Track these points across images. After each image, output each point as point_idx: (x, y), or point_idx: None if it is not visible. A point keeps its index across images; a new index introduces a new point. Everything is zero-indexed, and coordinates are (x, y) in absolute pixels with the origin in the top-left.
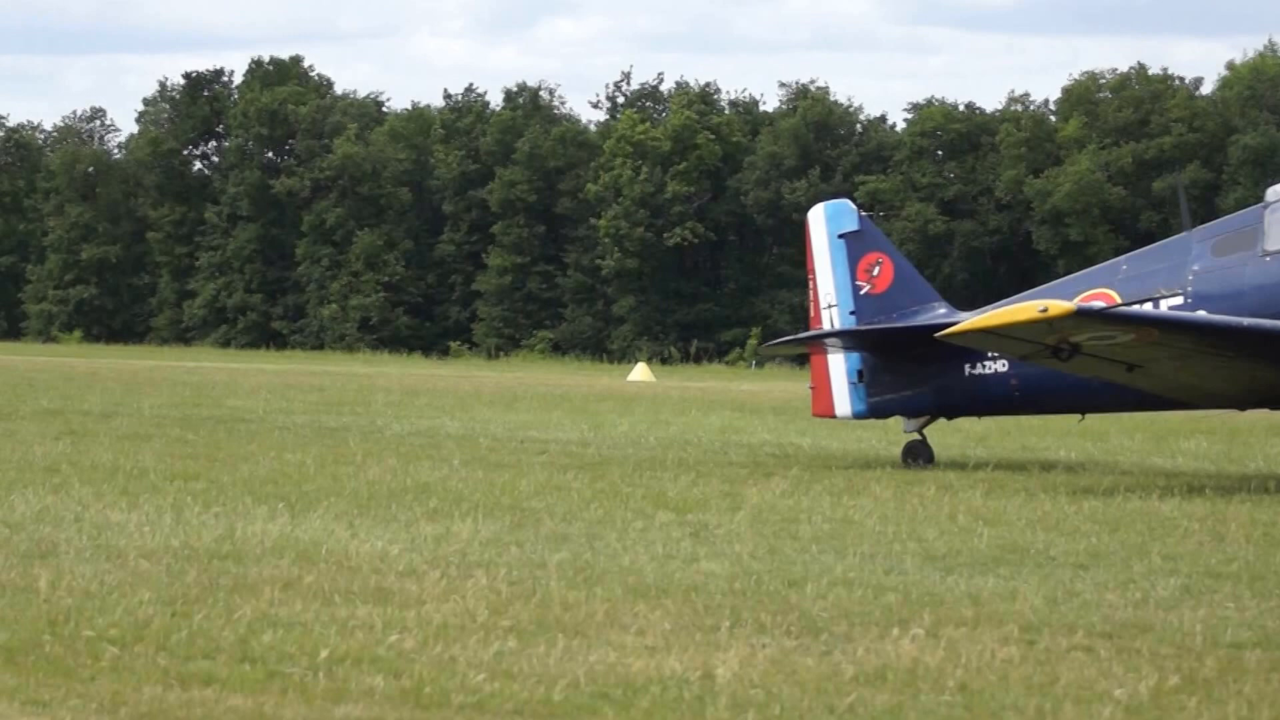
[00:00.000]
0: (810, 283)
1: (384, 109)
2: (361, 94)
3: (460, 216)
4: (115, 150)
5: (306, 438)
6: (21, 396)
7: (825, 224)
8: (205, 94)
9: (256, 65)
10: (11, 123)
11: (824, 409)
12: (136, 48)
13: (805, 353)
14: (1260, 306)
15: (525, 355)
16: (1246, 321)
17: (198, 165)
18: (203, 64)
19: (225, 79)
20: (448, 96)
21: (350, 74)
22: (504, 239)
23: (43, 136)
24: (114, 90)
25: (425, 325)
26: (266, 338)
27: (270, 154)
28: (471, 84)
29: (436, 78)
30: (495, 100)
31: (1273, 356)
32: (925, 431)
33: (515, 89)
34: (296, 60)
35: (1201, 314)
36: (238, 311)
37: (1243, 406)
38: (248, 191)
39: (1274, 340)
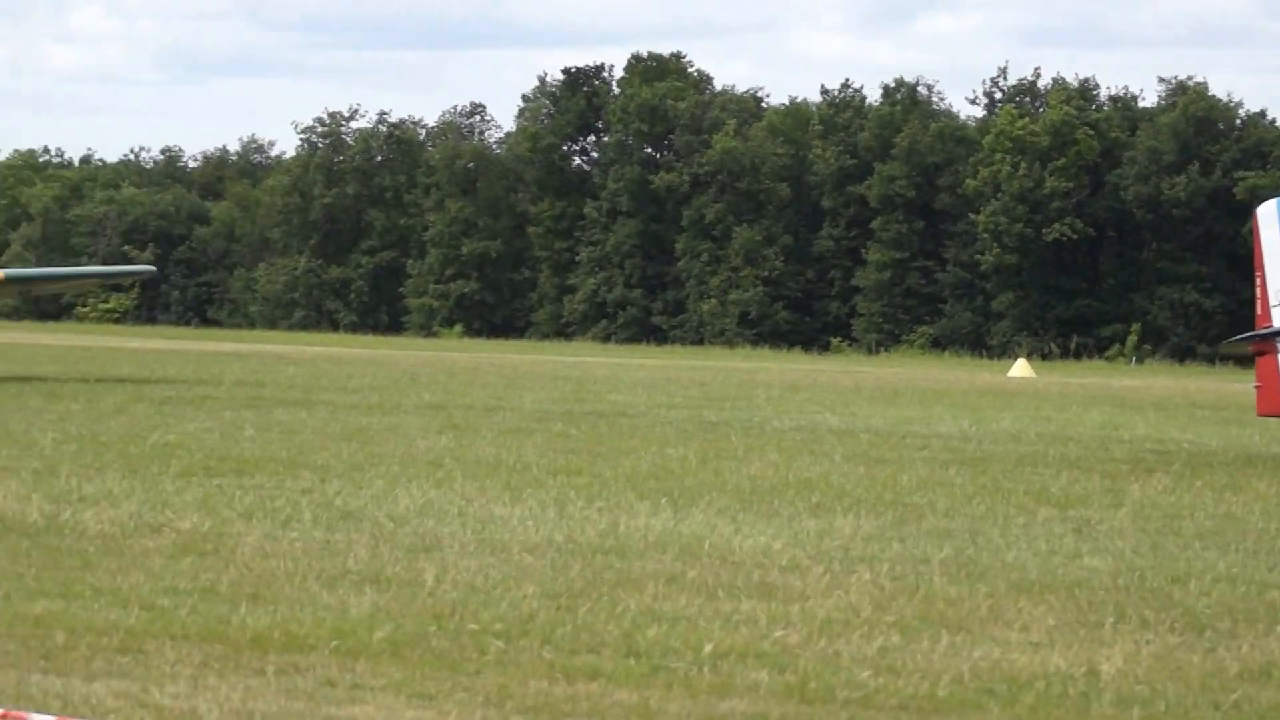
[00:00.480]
0: (1258, 279)
1: (762, 104)
2: (740, 89)
3: (839, 212)
4: (495, 145)
5: (688, 432)
6: (404, 391)
7: (1277, 220)
8: (585, 89)
9: (636, 61)
10: (393, 118)
11: (1272, 408)
12: (517, 43)
13: (1253, 352)
14: None
15: (905, 350)
16: None
17: (577, 160)
18: (582, 59)
19: (605, 74)
20: (825, 91)
21: (729, 69)
22: (883, 234)
23: (424, 132)
24: (494, 86)
25: (804, 320)
26: (646, 332)
27: (649, 149)
28: (848, 79)
29: (814, 72)
30: (873, 95)
31: None
32: None
33: (893, 84)
34: (677, 56)
35: None
36: (618, 306)
37: None
38: (628, 187)
39: None
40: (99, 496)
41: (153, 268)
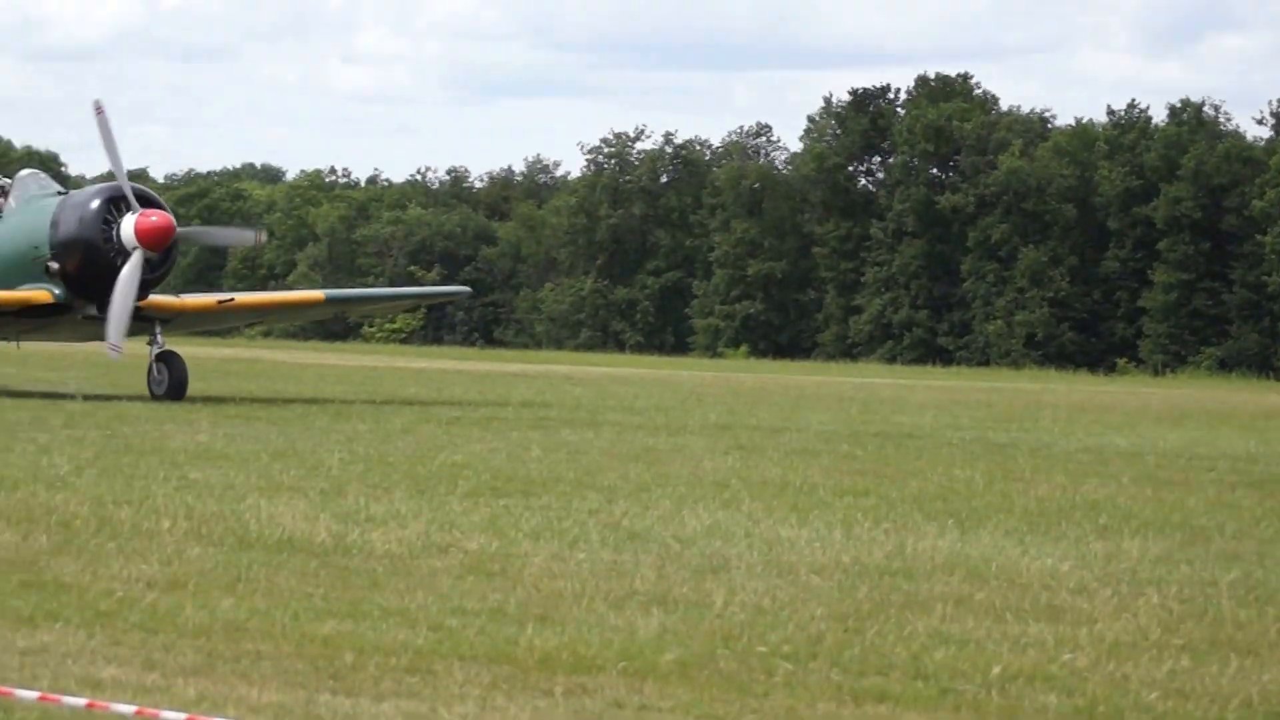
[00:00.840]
0: None
1: (1048, 125)
2: (1025, 110)
3: (1125, 233)
4: (781, 166)
5: (974, 453)
6: (690, 411)
7: None
8: (870, 110)
9: (922, 82)
10: (679, 139)
11: None
12: (803, 64)
13: None
14: None
15: (1191, 372)
16: None
17: (863, 181)
18: (868, 80)
19: (890, 95)
20: (1111, 112)
21: (1015, 90)
22: (1170, 255)
23: (709, 153)
24: (780, 106)
25: (1090, 341)
26: (932, 354)
27: (935, 170)
28: (1134, 99)
29: (1100, 93)
30: (1159, 115)
31: None
32: None
33: (1179, 104)
34: (964, 77)
35: None
36: (904, 327)
37: None
38: (913, 207)
39: None
40: (386, 517)
41: (468, 289)
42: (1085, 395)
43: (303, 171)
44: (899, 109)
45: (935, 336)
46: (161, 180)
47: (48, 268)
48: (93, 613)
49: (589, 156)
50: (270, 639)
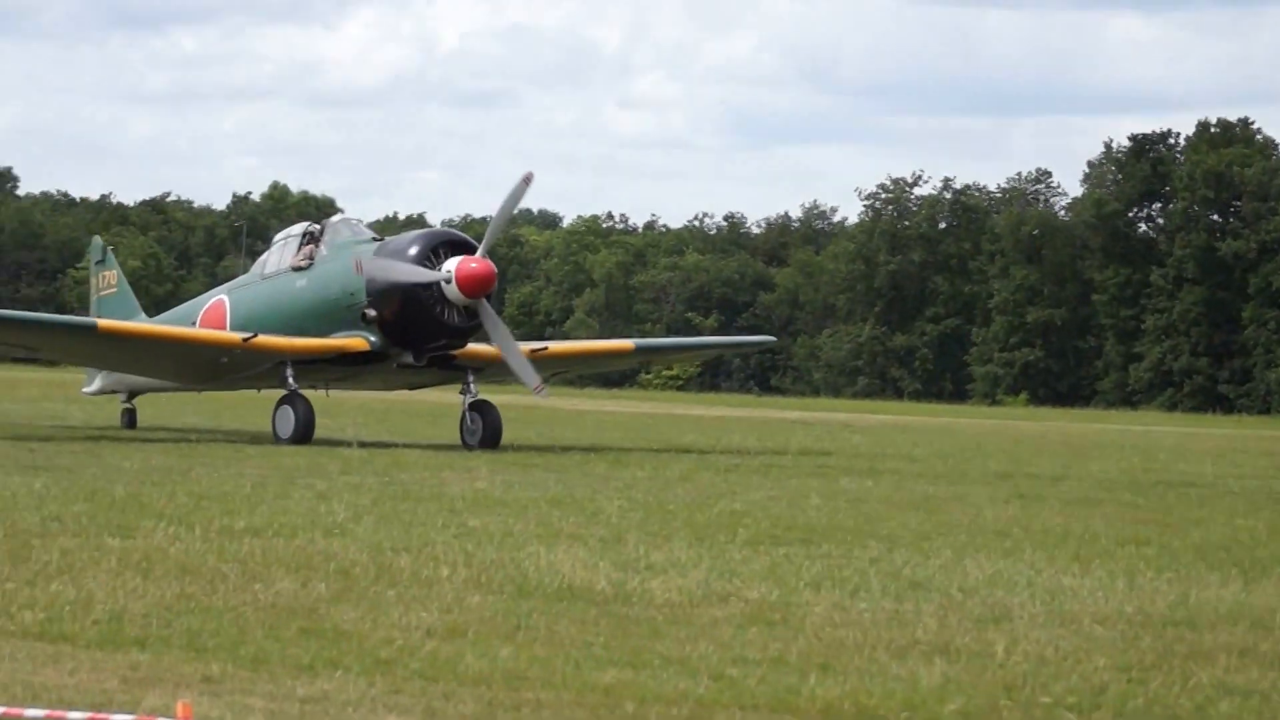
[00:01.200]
0: None
1: None
2: None
3: None
4: (1061, 212)
5: (1258, 503)
6: (970, 459)
7: None
8: (1150, 155)
9: (1203, 127)
10: (958, 184)
11: None
12: (1084, 110)
13: None
14: None
15: None
16: None
17: (1143, 227)
18: (1149, 125)
19: (1171, 141)
20: None
21: None
22: None
23: (988, 199)
24: (1060, 152)
25: None
26: (1212, 401)
27: (1216, 216)
28: None
29: None
30: None
31: None
32: None
33: None
34: (1244, 122)
35: None
36: (1184, 374)
37: None
38: (1194, 254)
39: None
40: (666, 565)
41: (773, 338)
42: None
43: (579, 217)
44: (1179, 155)
45: (1216, 384)
46: (438, 225)
47: (364, 315)
48: (372, 660)
49: (866, 202)
50: (550, 688)
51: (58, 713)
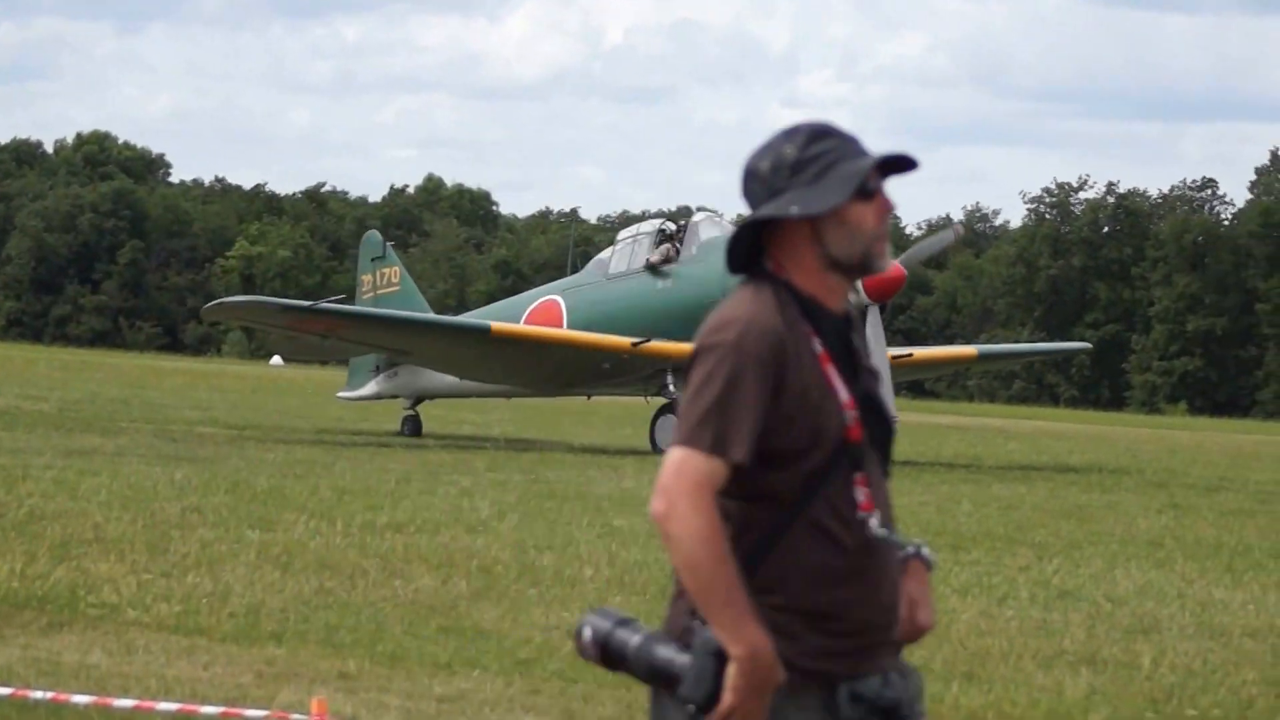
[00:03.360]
0: None
1: None
2: None
3: None
4: (1226, 220)
5: None
6: (1125, 468)
7: None
8: None
9: None
10: (1122, 189)
11: None
12: (1253, 115)
13: None
14: None
15: None
16: None
17: None
18: None
19: None
20: None
21: None
22: None
23: (1152, 204)
24: (1227, 159)
25: None
26: None
27: None
28: None
29: None
30: None
31: None
32: None
33: None
34: None
35: None
36: None
37: None
38: None
39: None
40: None
41: (1088, 344)
42: None
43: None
44: None
45: None
46: (594, 222)
47: None
48: (512, 660)
49: (1030, 206)
50: None
51: (189, 707)
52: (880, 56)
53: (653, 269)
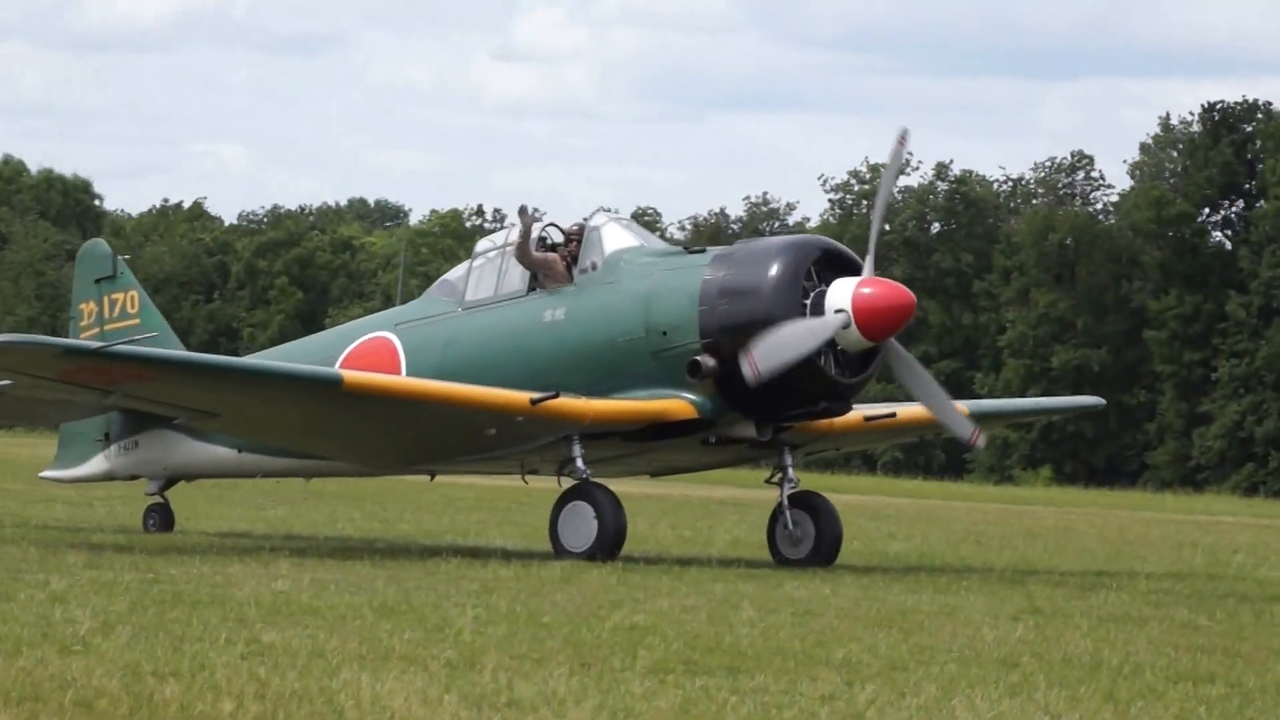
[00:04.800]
0: None
1: None
2: None
3: None
4: (1102, 214)
5: None
6: (966, 556)
7: None
8: (1230, 135)
9: None
10: (958, 171)
11: None
12: (1135, 69)
13: None
14: None
15: None
16: None
17: (1217, 236)
18: (1226, 92)
19: (1260, 114)
20: None
21: None
22: None
23: (1001, 193)
24: (1103, 129)
25: None
26: None
27: None
28: None
29: None
30: None
31: None
32: None
33: None
34: None
35: None
36: (1270, 444)
37: None
38: None
39: None
40: (537, 700)
41: (1102, 400)
42: None
43: (433, 212)
44: (1264, 131)
45: None
46: (233, 220)
47: (695, 365)
48: None
49: (833, 195)
50: None
51: None
52: None
53: (538, 293)
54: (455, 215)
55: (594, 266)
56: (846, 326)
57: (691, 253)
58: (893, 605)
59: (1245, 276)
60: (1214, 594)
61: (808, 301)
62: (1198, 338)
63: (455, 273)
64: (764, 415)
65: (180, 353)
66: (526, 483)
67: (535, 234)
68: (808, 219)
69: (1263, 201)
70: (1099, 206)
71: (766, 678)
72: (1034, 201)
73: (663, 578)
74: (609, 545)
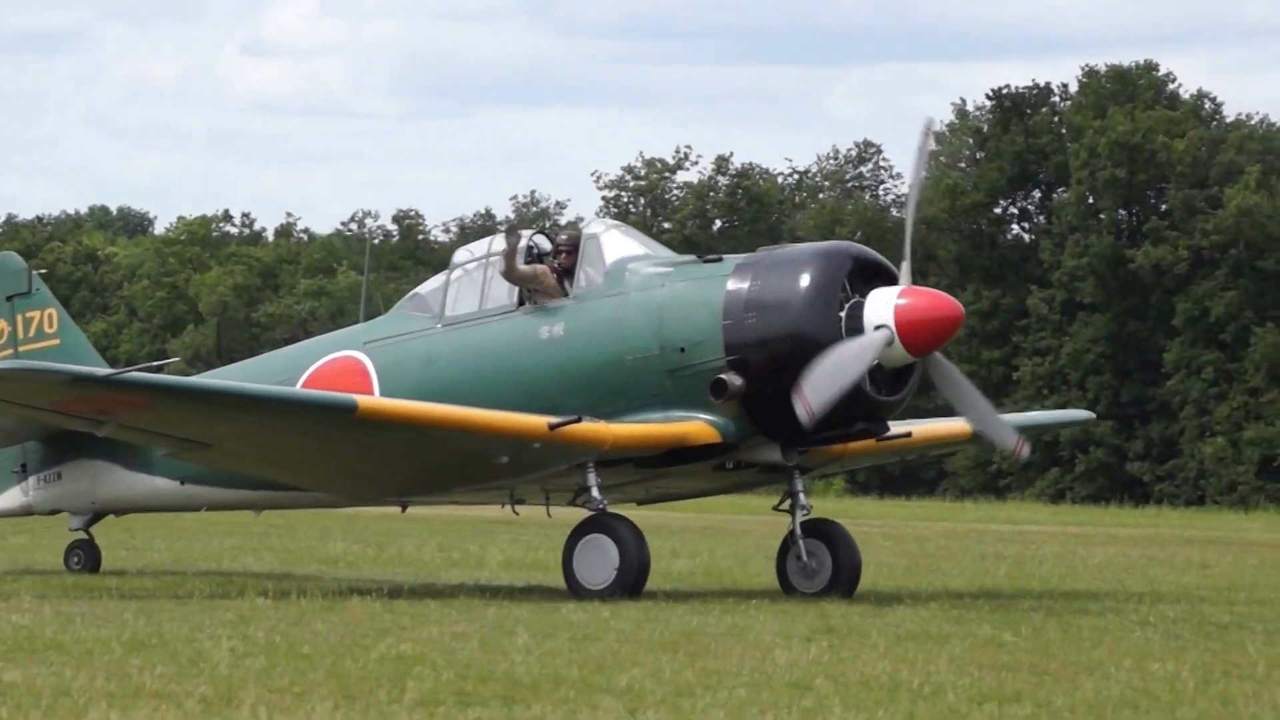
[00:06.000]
0: None
1: None
2: (1264, 119)
3: None
4: (894, 205)
5: (1181, 639)
6: (753, 573)
7: None
8: (1027, 122)
9: (1091, 77)
10: (738, 164)
11: None
12: (926, 54)
13: None
14: None
15: None
16: None
17: (1015, 229)
18: (1023, 76)
19: (1057, 99)
20: None
21: (1248, 90)
22: None
23: (787, 187)
24: (891, 116)
25: None
26: (1119, 486)
27: (1124, 211)
28: None
29: None
30: None
31: None
32: None
33: None
34: (1164, 75)
35: None
36: (1075, 447)
37: None
38: (1092, 266)
39: None
40: None
41: (1091, 414)
42: None
43: (180, 219)
44: (1070, 120)
45: (1124, 461)
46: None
47: (719, 384)
48: None
49: (607, 193)
50: None
51: None
52: None
53: (532, 306)
54: (204, 222)
55: (594, 277)
56: (890, 343)
57: (707, 261)
58: (677, 627)
59: (1047, 269)
60: (1019, 608)
61: (842, 314)
62: (997, 335)
63: (428, 286)
64: (793, 438)
65: (194, 380)
66: (517, 513)
67: (521, 246)
68: (581, 217)
69: (1062, 191)
70: (889, 199)
71: (544, 708)
72: (820, 195)
73: (431, 603)
74: (632, 581)
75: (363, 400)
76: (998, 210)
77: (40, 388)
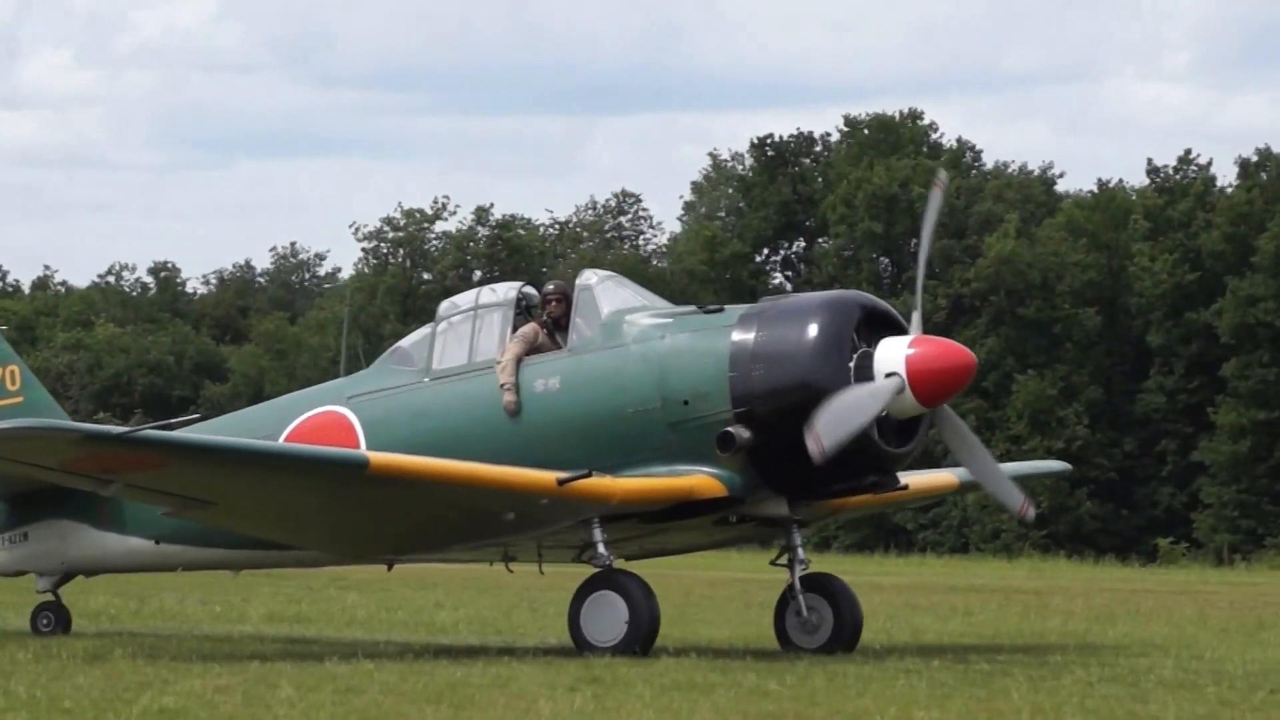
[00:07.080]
0: None
1: (1057, 189)
2: (1024, 168)
3: (1174, 350)
4: (655, 256)
5: (945, 686)
6: (519, 624)
7: None
8: (788, 171)
9: (854, 127)
10: (499, 215)
11: None
12: (685, 104)
13: None
14: None
15: (1273, 560)
16: None
17: (779, 278)
18: (782, 125)
19: (818, 149)
20: (1154, 171)
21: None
22: (1239, 385)
23: (547, 237)
24: (652, 166)
25: (1121, 515)
26: (884, 536)
27: (887, 259)
28: (1191, 151)
29: (1137, 142)
30: (1225, 175)
31: None
32: None
33: (1255, 158)
34: (927, 124)
35: None
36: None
37: None
38: None
39: None
40: None
41: (1066, 464)
42: (1112, 596)
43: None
44: (829, 168)
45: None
46: None
47: (726, 437)
48: None
49: (366, 244)
50: None
51: None
52: (143, 28)
53: (522, 358)
54: None
55: (589, 329)
56: (900, 391)
57: (708, 312)
58: (441, 679)
59: None
60: (784, 657)
61: (852, 364)
62: None
63: (411, 339)
64: (801, 492)
65: (209, 438)
66: (511, 570)
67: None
68: (339, 269)
69: (823, 239)
70: (650, 249)
71: None
72: (580, 245)
73: (194, 656)
74: (644, 638)
75: (374, 457)
76: (760, 260)
77: (50, 446)
